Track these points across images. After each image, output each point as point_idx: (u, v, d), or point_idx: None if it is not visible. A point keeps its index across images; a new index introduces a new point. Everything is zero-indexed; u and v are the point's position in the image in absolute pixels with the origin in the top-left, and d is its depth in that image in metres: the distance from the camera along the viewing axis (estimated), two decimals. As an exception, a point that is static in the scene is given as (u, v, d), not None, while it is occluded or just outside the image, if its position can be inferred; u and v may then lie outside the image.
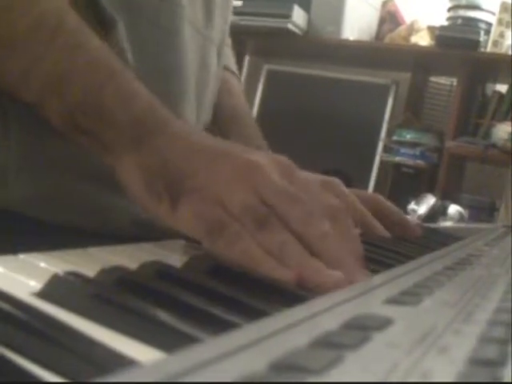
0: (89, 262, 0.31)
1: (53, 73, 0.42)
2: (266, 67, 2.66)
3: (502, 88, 2.27)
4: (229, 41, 0.78)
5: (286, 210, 0.36)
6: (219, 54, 0.67)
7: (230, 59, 0.78)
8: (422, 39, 2.31)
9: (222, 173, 0.37)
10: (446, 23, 2.27)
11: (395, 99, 2.42)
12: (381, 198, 0.61)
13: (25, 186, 0.49)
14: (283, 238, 0.35)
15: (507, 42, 2.18)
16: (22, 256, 0.31)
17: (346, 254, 0.35)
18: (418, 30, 2.34)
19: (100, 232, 0.50)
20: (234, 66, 0.80)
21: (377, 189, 2.34)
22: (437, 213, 1.87)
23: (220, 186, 0.37)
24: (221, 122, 0.71)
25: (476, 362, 0.15)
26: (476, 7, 2.22)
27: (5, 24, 0.42)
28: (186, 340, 0.20)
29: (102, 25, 0.49)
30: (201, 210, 0.36)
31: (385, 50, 2.38)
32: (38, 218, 0.49)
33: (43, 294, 0.25)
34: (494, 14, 2.21)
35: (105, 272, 0.28)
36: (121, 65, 0.43)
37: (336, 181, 0.48)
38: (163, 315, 0.23)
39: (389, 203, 0.60)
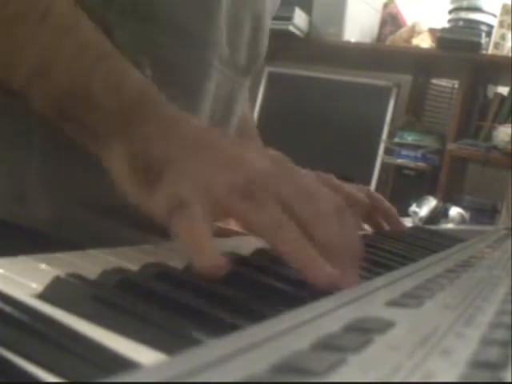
0: (90, 264, 0.31)
1: (41, 55, 0.40)
2: (267, 69, 2.66)
3: (504, 90, 2.27)
4: None
5: (277, 187, 0.34)
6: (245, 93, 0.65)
7: None
8: (424, 41, 2.31)
9: (206, 162, 0.35)
10: (447, 25, 2.27)
11: (396, 101, 2.42)
12: (370, 189, 0.64)
13: (43, 209, 0.50)
14: (279, 215, 0.32)
15: (508, 45, 2.18)
16: (23, 258, 0.31)
17: (345, 241, 0.33)
18: (419, 33, 2.34)
19: None
20: None
21: (378, 191, 2.33)
22: (438, 215, 1.87)
23: (201, 171, 0.35)
24: None
25: (477, 364, 0.15)
26: (477, 9, 2.21)
27: None
28: (188, 342, 0.20)
29: None
30: (171, 190, 0.34)
31: (386, 53, 2.38)
32: (53, 237, 0.50)
33: (44, 296, 0.25)
34: (495, 16, 2.21)
35: (106, 274, 0.28)
36: (111, 47, 0.41)
37: (330, 176, 0.49)
38: (164, 317, 0.23)
39: (376, 196, 0.63)
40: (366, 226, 0.64)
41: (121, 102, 0.39)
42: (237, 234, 0.51)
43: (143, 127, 0.38)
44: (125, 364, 0.19)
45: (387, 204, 0.64)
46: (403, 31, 2.39)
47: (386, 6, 2.50)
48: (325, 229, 0.33)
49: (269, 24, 0.63)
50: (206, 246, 0.31)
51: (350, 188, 0.53)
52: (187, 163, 0.36)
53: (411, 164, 2.29)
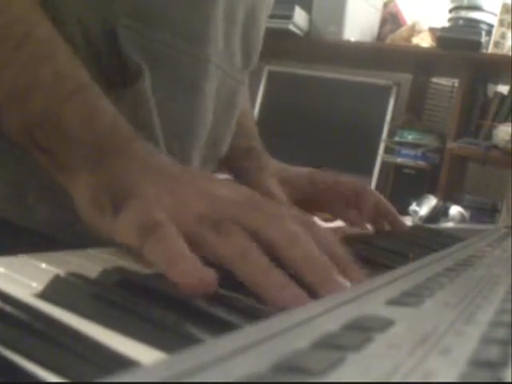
0: (90, 263, 0.31)
1: (15, 84, 0.40)
2: (267, 68, 2.66)
3: (504, 89, 2.27)
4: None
5: (247, 217, 0.33)
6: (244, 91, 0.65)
7: None
8: (424, 40, 2.31)
9: (175, 191, 0.35)
10: (447, 24, 2.27)
11: (396, 100, 2.42)
12: (367, 187, 0.65)
13: (43, 210, 0.49)
14: (242, 243, 0.31)
15: (508, 43, 2.17)
16: (23, 257, 0.31)
17: (321, 257, 0.31)
18: (419, 31, 2.34)
19: None
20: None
21: (378, 189, 2.33)
22: (438, 214, 1.86)
23: (170, 198, 0.34)
24: None
25: (477, 363, 0.15)
26: (477, 8, 2.21)
27: None
28: (188, 341, 0.20)
29: (128, 74, 0.47)
30: (137, 214, 0.33)
31: (386, 51, 2.38)
32: (53, 237, 0.49)
33: (45, 295, 0.25)
34: (495, 15, 2.20)
35: (106, 273, 0.28)
36: (88, 79, 0.41)
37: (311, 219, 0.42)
38: (165, 316, 0.23)
39: (377, 194, 0.64)
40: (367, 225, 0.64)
41: (92, 137, 0.39)
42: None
43: (115, 161, 0.38)
44: (125, 363, 0.19)
45: (387, 203, 0.64)
46: (403, 30, 2.39)
47: (386, 4, 2.50)
48: (294, 248, 0.31)
49: (265, 17, 0.63)
50: (187, 258, 0.29)
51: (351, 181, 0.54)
52: (156, 189, 0.35)
53: (411, 163, 2.30)
